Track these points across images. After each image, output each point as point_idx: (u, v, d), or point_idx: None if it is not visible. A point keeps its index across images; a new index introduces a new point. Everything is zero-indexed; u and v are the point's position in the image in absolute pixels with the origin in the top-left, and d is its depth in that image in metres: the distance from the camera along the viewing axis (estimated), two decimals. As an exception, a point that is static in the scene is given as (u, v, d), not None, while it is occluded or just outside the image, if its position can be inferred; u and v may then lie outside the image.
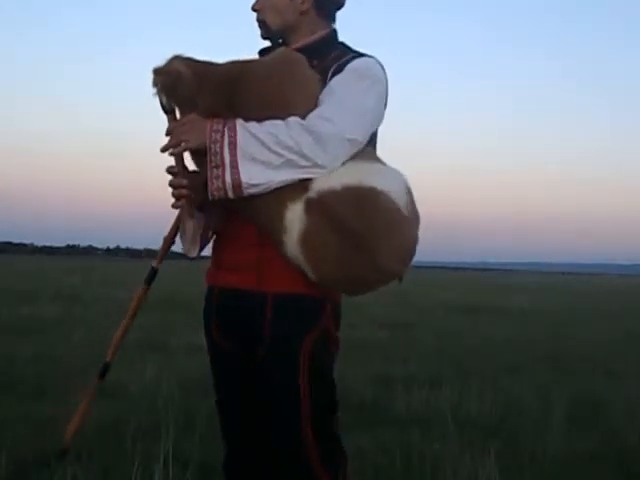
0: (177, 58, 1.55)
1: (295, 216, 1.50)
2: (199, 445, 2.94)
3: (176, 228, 1.71)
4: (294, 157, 1.49)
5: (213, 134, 1.50)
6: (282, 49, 1.64)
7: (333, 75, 1.60)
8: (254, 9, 1.70)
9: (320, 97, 1.58)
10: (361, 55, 1.64)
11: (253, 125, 1.51)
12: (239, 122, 1.51)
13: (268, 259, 1.57)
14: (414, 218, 1.53)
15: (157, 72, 1.53)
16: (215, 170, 1.49)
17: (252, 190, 1.50)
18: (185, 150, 1.54)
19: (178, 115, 1.58)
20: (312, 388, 1.58)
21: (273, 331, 1.58)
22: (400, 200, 1.50)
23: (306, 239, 1.49)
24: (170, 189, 1.58)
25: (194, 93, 1.54)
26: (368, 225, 1.47)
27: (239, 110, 1.53)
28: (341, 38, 1.73)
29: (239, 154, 1.49)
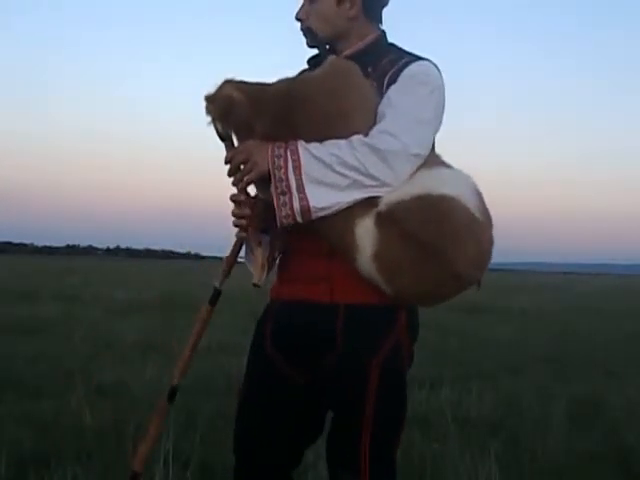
0: (228, 83, 1.50)
1: (366, 231, 1.46)
2: (199, 445, 2.94)
3: (238, 248, 1.66)
4: (361, 178, 1.45)
5: (275, 159, 1.45)
6: (332, 59, 1.56)
7: (389, 82, 1.54)
8: (298, 18, 1.64)
9: (380, 108, 1.52)
10: (416, 58, 1.57)
11: (315, 146, 1.45)
12: (300, 144, 1.46)
13: (338, 269, 1.52)
14: (486, 220, 1.49)
15: (209, 100, 1.48)
16: (282, 197, 1.44)
17: (321, 213, 1.45)
18: (249, 184, 1.50)
19: (235, 141, 1.53)
20: (378, 409, 1.53)
21: (344, 344, 1.52)
22: (471, 204, 1.46)
23: (379, 254, 1.45)
24: (233, 218, 1.55)
25: (250, 118, 1.48)
26: (442, 233, 1.43)
27: (298, 131, 1.47)
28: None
29: (304, 178, 1.44)
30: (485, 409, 4.08)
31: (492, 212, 1.51)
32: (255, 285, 1.55)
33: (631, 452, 3.30)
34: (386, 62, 1.58)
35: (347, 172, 1.44)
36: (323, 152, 1.45)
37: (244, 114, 1.47)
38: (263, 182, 1.48)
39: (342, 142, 1.46)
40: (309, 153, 1.45)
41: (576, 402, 4.40)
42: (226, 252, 1.69)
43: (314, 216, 1.45)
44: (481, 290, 1.52)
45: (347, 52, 1.61)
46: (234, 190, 1.54)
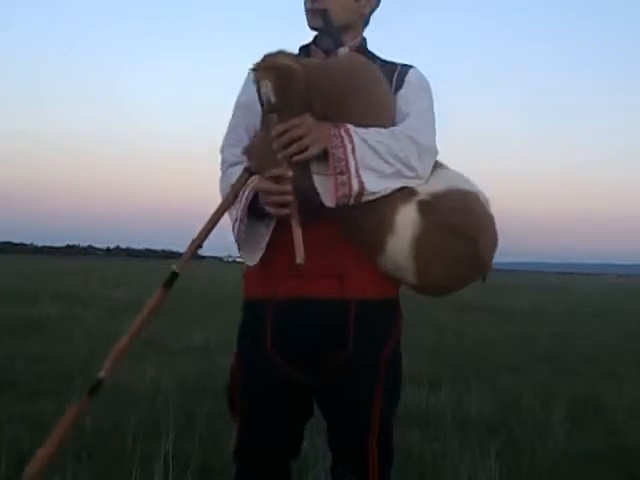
0: (282, 53, 1.47)
1: (407, 219, 1.48)
2: (199, 445, 2.94)
3: (207, 231, 1.59)
4: (402, 167, 1.49)
5: (333, 139, 1.44)
6: (352, 54, 1.60)
7: (397, 86, 1.59)
8: None
9: (398, 105, 1.57)
10: (407, 65, 1.64)
11: (364, 132, 1.47)
12: (352, 128, 1.47)
13: (348, 263, 1.52)
14: (494, 217, 1.59)
15: (269, 68, 1.43)
16: (340, 177, 1.43)
17: (370, 198, 1.47)
18: (310, 157, 1.45)
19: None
20: (384, 404, 1.57)
21: (355, 341, 1.53)
22: (486, 201, 1.55)
23: (420, 241, 1.47)
24: (272, 197, 1.46)
25: (306, 94, 1.44)
26: (473, 225, 1.50)
27: (347, 117, 1.48)
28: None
29: (359, 161, 1.45)
30: (485, 409, 4.08)
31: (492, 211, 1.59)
32: (300, 265, 1.44)
33: (631, 452, 3.30)
34: (377, 64, 1.61)
35: (393, 161, 1.48)
36: (373, 139, 1.47)
37: (303, 88, 1.44)
38: (305, 161, 1.47)
39: (384, 131, 1.50)
40: (360, 138, 1.46)
41: (576, 402, 4.40)
42: (193, 236, 1.60)
43: (364, 199, 1.46)
44: (482, 290, 1.54)
45: (341, 49, 1.62)
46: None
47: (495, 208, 1.57)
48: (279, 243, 1.54)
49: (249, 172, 1.57)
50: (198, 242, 1.60)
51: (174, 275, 1.58)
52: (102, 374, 1.54)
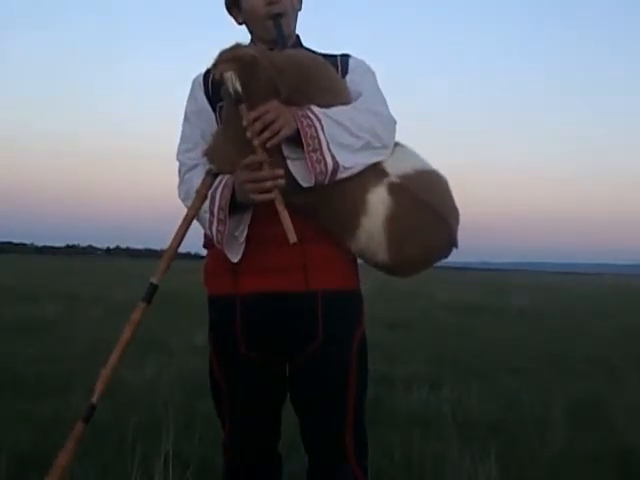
0: (239, 45, 1.50)
1: (379, 198, 1.52)
2: (199, 445, 2.94)
3: (179, 240, 1.60)
4: (370, 138, 1.52)
5: (303, 119, 1.47)
6: (299, 49, 1.64)
7: (343, 74, 1.63)
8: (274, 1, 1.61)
9: (349, 88, 1.61)
10: (344, 55, 1.68)
11: (329, 110, 1.50)
12: (316, 108, 1.50)
13: (313, 257, 1.54)
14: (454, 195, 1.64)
15: (231, 59, 1.44)
16: (314, 154, 1.45)
17: (344, 174, 1.49)
18: (283, 138, 1.46)
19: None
20: (358, 387, 1.61)
21: (325, 331, 1.55)
22: (446, 179, 1.60)
23: (392, 219, 1.51)
24: (255, 185, 1.44)
25: (271, 80, 1.47)
26: (442, 202, 1.56)
27: (311, 96, 1.52)
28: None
29: (329, 139, 1.47)
30: (485, 409, 4.08)
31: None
32: (294, 244, 1.43)
33: (631, 452, 3.29)
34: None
35: (361, 133, 1.51)
36: (338, 115, 1.50)
37: (268, 74, 1.46)
38: (278, 146, 1.49)
39: (347, 107, 1.54)
40: (326, 115, 1.49)
41: (576, 402, 4.40)
42: (166, 245, 1.62)
43: (339, 176, 1.48)
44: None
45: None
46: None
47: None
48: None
49: (212, 175, 1.56)
50: (171, 252, 1.61)
51: (154, 288, 1.59)
52: (95, 400, 1.55)
